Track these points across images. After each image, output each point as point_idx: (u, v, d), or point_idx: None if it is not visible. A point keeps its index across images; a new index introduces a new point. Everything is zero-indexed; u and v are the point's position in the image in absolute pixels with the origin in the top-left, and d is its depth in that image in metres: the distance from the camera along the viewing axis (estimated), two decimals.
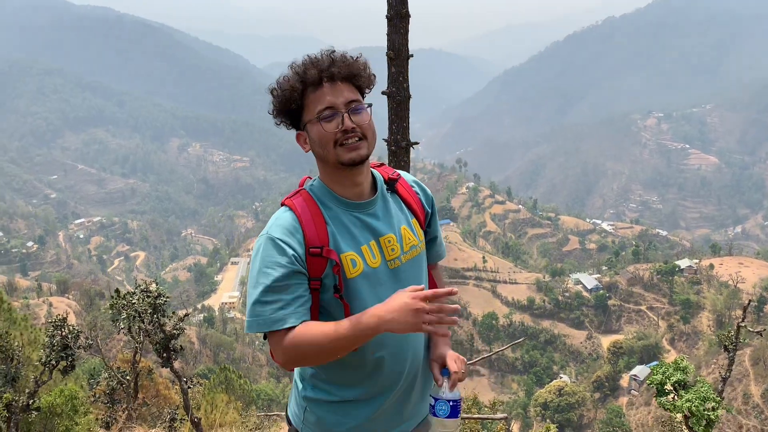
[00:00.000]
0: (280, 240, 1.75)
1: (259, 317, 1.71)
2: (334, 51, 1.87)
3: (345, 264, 1.80)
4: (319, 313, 1.82)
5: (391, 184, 2.00)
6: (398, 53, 4.87)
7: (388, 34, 4.88)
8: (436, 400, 1.80)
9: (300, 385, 1.95)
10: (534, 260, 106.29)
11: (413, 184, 2.08)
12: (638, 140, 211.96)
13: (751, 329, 7.28)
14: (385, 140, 5.21)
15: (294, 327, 1.71)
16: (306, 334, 1.70)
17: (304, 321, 1.74)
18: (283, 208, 1.87)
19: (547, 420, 50.49)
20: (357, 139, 1.80)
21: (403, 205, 2.00)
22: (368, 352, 1.82)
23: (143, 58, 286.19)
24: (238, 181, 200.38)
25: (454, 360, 1.87)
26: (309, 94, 1.80)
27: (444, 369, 1.85)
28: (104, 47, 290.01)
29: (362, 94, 1.88)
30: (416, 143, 5.53)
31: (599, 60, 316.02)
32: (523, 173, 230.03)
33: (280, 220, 1.80)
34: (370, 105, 1.87)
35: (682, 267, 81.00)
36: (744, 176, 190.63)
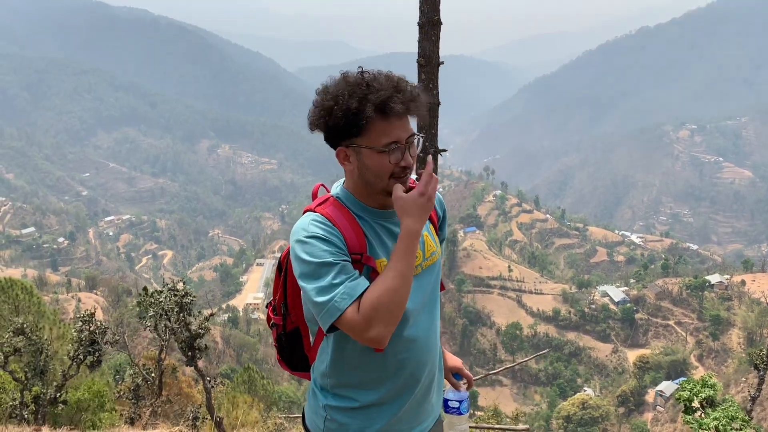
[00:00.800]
0: (325, 235, 1.75)
1: (343, 293, 1.69)
2: (401, 78, 1.80)
3: (380, 271, 1.81)
4: None
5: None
6: (429, 60, 4.88)
7: (419, 41, 4.89)
8: (448, 399, 2.04)
9: (320, 395, 1.93)
10: (561, 271, 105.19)
11: None
12: (670, 152, 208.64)
13: None
14: None
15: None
16: (373, 289, 1.71)
17: None
18: (313, 214, 1.83)
19: None
20: (409, 173, 1.83)
21: None
22: (391, 354, 1.85)
23: (176, 60, 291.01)
24: (265, 183, 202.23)
25: (463, 367, 2.16)
26: (375, 122, 1.74)
27: (456, 374, 2.11)
28: (139, 48, 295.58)
29: None
30: (444, 150, 5.53)
31: (632, 70, 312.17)
32: (551, 183, 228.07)
33: (316, 225, 1.78)
34: (420, 136, 1.86)
35: (712, 282, 79.45)
36: None
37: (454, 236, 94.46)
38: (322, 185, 2.03)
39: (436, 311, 2.01)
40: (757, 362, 6.14)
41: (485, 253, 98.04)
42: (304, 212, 1.90)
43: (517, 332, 77.15)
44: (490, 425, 7.72)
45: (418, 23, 4.78)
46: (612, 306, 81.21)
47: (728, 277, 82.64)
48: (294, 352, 2.08)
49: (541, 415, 60.46)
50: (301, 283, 1.76)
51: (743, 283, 78.74)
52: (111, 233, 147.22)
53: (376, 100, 1.71)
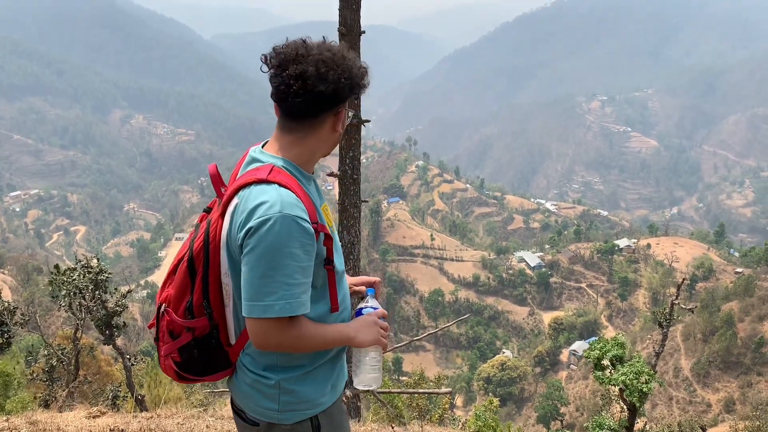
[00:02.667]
0: (301, 218, 1.73)
1: (289, 300, 1.71)
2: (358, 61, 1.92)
3: (334, 233, 1.91)
4: None
5: None
6: (350, 29, 4.84)
7: (340, 10, 4.83)
8: (361, 309, 2.05)
9: (268, 375, 1.89)
10: (480, 238, 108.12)
11: None
12: (582, 122, 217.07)
13: (683, 307, 7.63)
14: None
15: (303, 316, 1.79)
16: (312, 329, 1.81)
17: None
18: (269, 185, 1.79)
19: (490, 394, 51.93)
20: None
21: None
22: (341, 311, 1.98)
23: (84, 26, 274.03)
24: (183, 154, 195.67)
25: (371, 280, 2.21)
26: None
27: (369, 288, 2.12)
28: (42, 12, 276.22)
29: None
30: (367, 121, 5.53)
31: (547, 42, 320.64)
32: (471, 153, 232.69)
33: (286, 197, 1.75)
34: None
35: (621, 246, 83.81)
36: (681, 159, 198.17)
37: (378, 207, 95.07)
38: (258, 144, 2.01)
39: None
40: (661, 320, 6.58)
41: (408, 222, 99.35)
42: (246, 183, 1.82)
43: (440, 299, 79.01)
44: (414, 390, 7.91)
45: None
46: (528, 271, 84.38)
47: (635, 241, 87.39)
48: (210, 356, 1.93)
49: (463, 377, 62.51)
50: (251, 259, 1.73)
51: (648, 246, 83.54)
52: (18, 209, 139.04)
53: (363, 72, 1.88)
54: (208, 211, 2.03)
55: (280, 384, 1.88)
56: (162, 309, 1.95)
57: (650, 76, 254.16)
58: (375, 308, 2.03)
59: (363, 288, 2.17)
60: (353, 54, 1.90)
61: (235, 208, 1.80)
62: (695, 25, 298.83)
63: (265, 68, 1.82)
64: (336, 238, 1.98)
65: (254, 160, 1.91)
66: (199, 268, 1.88)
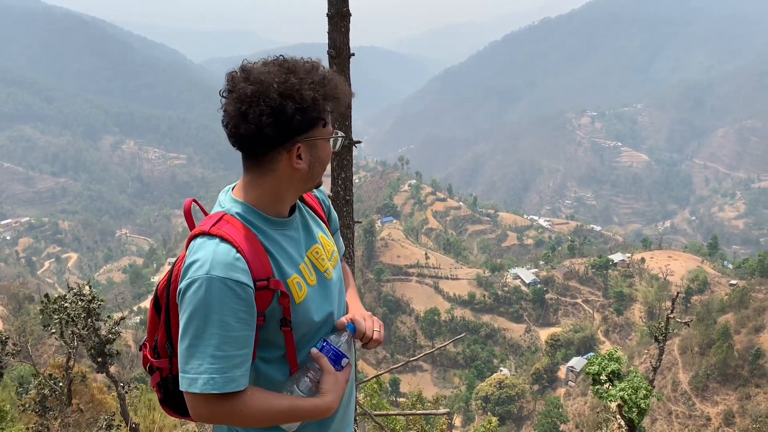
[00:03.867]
0: (234, 282, 1.52)
1: (214, 375, 1.50)
2: (331, 73, 1.67)
3: (293, 290, 1.66)
4: (258, 347, 1.65)
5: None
6: (339, 52, 4.86)
7: (329, 33, 4.86)
8: (326, 341, 1.73)
9: (240, 430, 1.73)
10: (474, 256, 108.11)
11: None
12: (573, 138, 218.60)
13: (679, 320, 7.62)
14: None
15: (243, 391, 1.57)
16: (263, 404, 1.59)
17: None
18: (209, 239, 1.59)
19: (489, 413, 51.58)
20: None
21: (312, 213, 1.90)
22: None
23: (73, 53, 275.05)
24: (174, 179, 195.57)
25: (364, 318, 1.82)
26: (328, 111, 1.65)
27: (350, 324, 1.78)
28: (32, 41, 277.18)
29: None
30: (359, 141, 5.54)
31: (536, 60, 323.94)
32: (463, 171, 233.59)
33: (220, 254, 1.54)
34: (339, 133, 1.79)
35: (615, 261, 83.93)
36: (672, 173, 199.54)
37: (372, 227, 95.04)
38: (194, 201, 1.82)
39: (343, 308, 1.91)
40: (657, 334, 6.56)
41: (402, 241, 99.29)
42: (194, 235, 1.64)
43: (435, 318, 78.73)
44: (412, 412, 7.85)
45: (327, 14, 4.74)
46: (523, 288, 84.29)
47: (629, 255, 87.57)
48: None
49: (461, 397, 62.07)
50: (181, 324, 1.55)
51: (643, 260, 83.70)
52: (8, 237, 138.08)
53: (332, 94, 1.62)
54: None
55: None
56: (143, 341, 1.84)
57: (639, 92, 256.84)
58: (343, 356, 1.71)
59: (342, 320, 1.82)
60: (302, 76, 1.59)
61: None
62: (682, 40, 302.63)
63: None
64: (329, 282, 1.80)
65: (217, 203, 1.74)
66: (163, 308, 1.73)
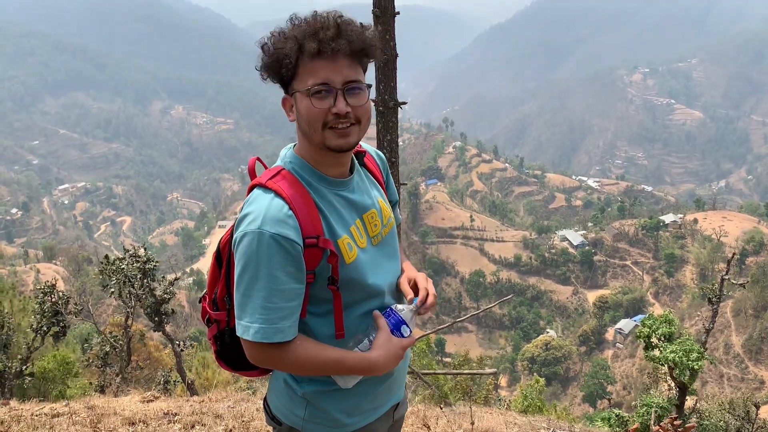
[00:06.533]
0: (283, 237, 1.55)
1: (264, 325, 1.56)
2: (342, 16, 1.63)
3: (343, 250, 1.66)
4: (308, 302, 1.68)
5: (360, 157, 1.87)
6: (384, 11, 4.79)
7: None
8: (390, 309, 1.76)
9: (295, 385, 1.77)
10: (521, 218, 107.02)
11: (372, 154, 1.96)
12: (624, 96, 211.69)
13: (734, 282, 7.42)
14: (373, 101, 5.16)
15: (292, 341, 1.62)
16: (310, 354, 1.63)
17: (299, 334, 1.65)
18: (265, 192, 1.63)
19: (535, 374, 51.67)
20: (349, 124, 1.63)
21: (372, 178, 1.89)
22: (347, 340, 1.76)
23: (122, 19, 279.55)
24: (222, 143, 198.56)
25: (426, 290, 1.82)
26: (304, 62, 1.59)
27: (416, 298, 1.79)
28: (81, 8, 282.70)
29: (364, 70, 1.67)
30: (404, 103, 5.49)
31: (586, 15, 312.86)
32: (509, 131, 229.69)
33: (273, 210, 1.57)
34: (369, 86, 1.66)
35: (666, 222, 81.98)
36: (728, 131, 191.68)
37: (416, 189, 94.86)
38: (258, 159, 1.81)
39: (397, 276, 1.87)
40: (710, 296, 6.41)
41: (447, 204, 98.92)
42: (253, 186, 1.68)
43: (481, 280, 78.70)
44: (459, 371, 7.93)
45: None
46: (571, 250, 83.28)
47: (681, 216, 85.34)
48: (241, 349, 1.72)
49: (507, 358, 62.34)
50: (236, 274, 1.60)
51: (695, 221, 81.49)
52: (66, 202, 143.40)
53: (298, 36, 1.57)
54: None
55: (305, 396, 1.75)
56: (203, 294, 1.88)
57: (694, 46, 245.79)
58: (404, 323, 1.72)
59: (408, 289, 1.82)
60: (289, 28, 1.61)
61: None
62: None
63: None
64: (380, 246, 1.80)
65: (280, 157, 1.77)
66: (224, 262, 1.77)
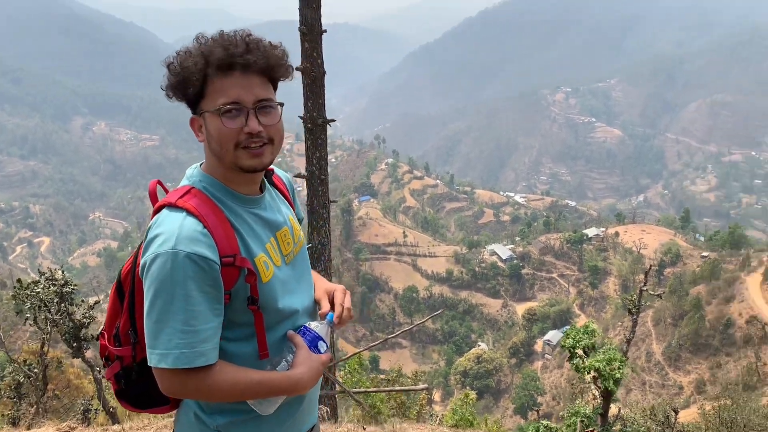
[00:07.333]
0: (199, 256, 1.48)
1: (184, 350, 1.47)
2: (251, 34, 1.59)
3: (260, 269, 1.62)
4: (223, 327, 1.59)
5: (269, 175, 1.83)
6: (311, 28, 4.79)
7: (300, 9, 4.78)
8: (305, 326, 1.72)
9: (206, 419, 1.66)
10: (452, 233, 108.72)
11: (278, 172, 1.93)
12: (548, 115, 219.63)
13: (652, 292, 7.75)
14: (301, 117, 5.14)
15: (213, 365, 1.53)
16: (232, 377, 1.55)
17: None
18: (175, 212, 1.55)
19: (467, 387, 52.27)
20: (262, 144, 1.59)
21: (281, 196, 1.87)
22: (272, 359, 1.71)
23: (40, 32, 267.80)
24: (147, 160, 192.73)
25: (341, 305, 1.82)
26: (213, 81, 1.54)
27: (331, 314, 1.77)
28: None
29: (275, 88, 1.65)
30: (333, 120, 5.48)
31: (511, 36, 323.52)
32: (440, 149, 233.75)
33: (186, 228, 1.50)
34: (281, 104, 1.63)
35: (590, 235, 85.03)
36: (645, 148, 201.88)
37: (349, 206, 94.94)
38: (159, 182, 1.76)
39: (311, 295, 1.86)
40: (630, 307, 6.68)
41: (380, 220, 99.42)
42: (160, 207, 1.60)
43: (414, 295, 79.27)
44: (391, 388, 7.91)
45: None
46: (500, 263, 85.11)
47: (603, 229, 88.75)
48: (149, 384, 1.65)
49: (440, 372, 62.81)
50: (146, 300, 1.51)
51: (617, 234, 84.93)
52: None
53: (206, 53, 1.53)
54: None
55: (219, 428, 1.65)
56: (101, 331, 1.77)
57: (613, 67, 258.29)
58: (320, 338, 1.69)
59: (327, 303, 1.82)
60: (197, 46, 1.58)
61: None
62: (655, 15, 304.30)
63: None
64: (294, 264, 1.77)
65: (185, 177, 1.71)
66: (127, 293, 1.67)
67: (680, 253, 73.03)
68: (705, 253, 70.16)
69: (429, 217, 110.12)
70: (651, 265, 9.40)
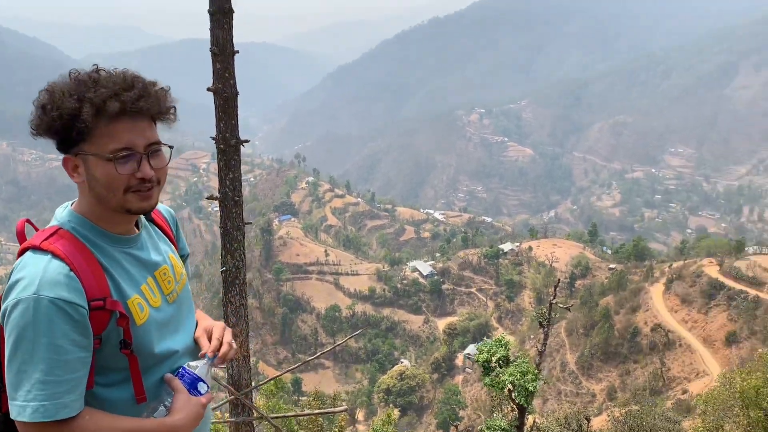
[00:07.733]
0: (65, 301, 1.41)
1: (45, 402, 1.38)
2: (137, 76, 1.56)
3: (134, 311, 1.56)
4: (95, 372, 1.53)
5: (148, 212, 1.73)
6: (222, 49, 4.74)
7: (211, 30, 4.73)
8: (183, 367, 1.68)
9: None
10: (374, 251, 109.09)
11: (160, 208, 1.89)
12: (463, 134, 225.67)
13: (561, 305, 8.07)
14: (213, 138, 5.06)
15: (78, 415, 1.45)
16: (101, 427, 1.47)
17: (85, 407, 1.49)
18: (40, 254, 1.48)
19: (390, 405, 52.30)
20: (151, 186, 1.58)
21: (161, 233, 1.83)
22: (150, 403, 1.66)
23: None
24: (54, 181, 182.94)
25: (218, 340, 1.78)
26: (100, 125, 1.49)
27: (212, 357, 1.74)
28: None
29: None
30: (246, 141, 5.43)
31: (427, 58, 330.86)
32: (360, 167, 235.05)
33: (50, 272, 1.43)
34: (171, 147, 1.63)
35: (505, 250, 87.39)
36: (555, 166, 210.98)
37: (269, 225, 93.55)
38: (28, 221, 1.69)
39: (191, 333, 1.82)
40: (541, 320, 6.92)
41: (301, 239, 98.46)
42: (24, 250, 1.53)
43: (336, 314, 78.82)
44: (309, 412, 7.82)
45: (209, 11, 4.62)
46: (422, 280, 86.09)
47: (518, 244, 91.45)
48: None
49: (363, 391, 62.53)
50: (7, 348, 1.42)
51: (530, 249, 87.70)
52: None
53: (95, 99, 1.47)
54: None
55: None
56: None
57: (523, 90, 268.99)
58: (200, 380, 1.64)
59: (206, 342, 1.77)
60: (79, 87, 1.51)
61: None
62: (560, 41, 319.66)
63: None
64: (176, 304, 1.72)
65: (54, 217, 1.64)
66: None
67: (589, 266, 76.23)
68: (612, 265, 73.46)
69: (351, 236, 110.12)
70: (559, 279, 9.80)
